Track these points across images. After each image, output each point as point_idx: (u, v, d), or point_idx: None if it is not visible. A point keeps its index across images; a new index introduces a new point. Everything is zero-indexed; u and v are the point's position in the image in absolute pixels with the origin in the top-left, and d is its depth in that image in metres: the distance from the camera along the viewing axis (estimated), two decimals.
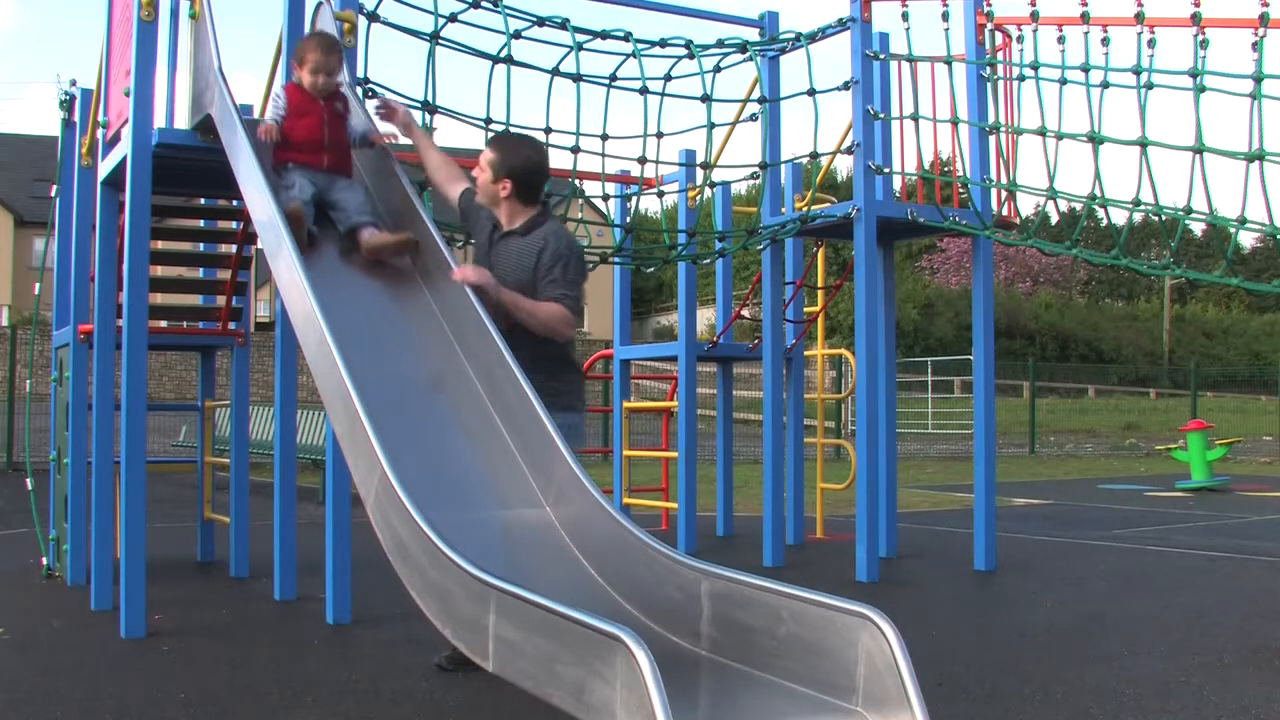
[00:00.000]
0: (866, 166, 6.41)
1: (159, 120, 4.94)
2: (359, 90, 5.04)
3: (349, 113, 4.63)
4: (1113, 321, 47.03)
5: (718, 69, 6.74)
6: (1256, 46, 4.65)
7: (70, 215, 6.32)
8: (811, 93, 6.61)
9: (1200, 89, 4.81)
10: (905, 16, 6.26)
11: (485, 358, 3.97)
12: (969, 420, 15.24)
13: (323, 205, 4.41)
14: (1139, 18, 5.04)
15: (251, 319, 6.83)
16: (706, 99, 6.44)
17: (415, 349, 4.15)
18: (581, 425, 4.31)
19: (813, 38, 6.68)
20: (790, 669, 2.78)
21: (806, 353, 9.03)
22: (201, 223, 7.02)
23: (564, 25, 6.11)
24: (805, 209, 6.76)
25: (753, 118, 6.92)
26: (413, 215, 4.46)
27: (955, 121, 6.30)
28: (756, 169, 6.69)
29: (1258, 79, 4.63)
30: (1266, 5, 4.62)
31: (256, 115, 5.78)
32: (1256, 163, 4.59)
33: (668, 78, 6.55)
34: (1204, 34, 4.79)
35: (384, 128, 4.74)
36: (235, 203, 5.95)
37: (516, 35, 5.93)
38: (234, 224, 6.42)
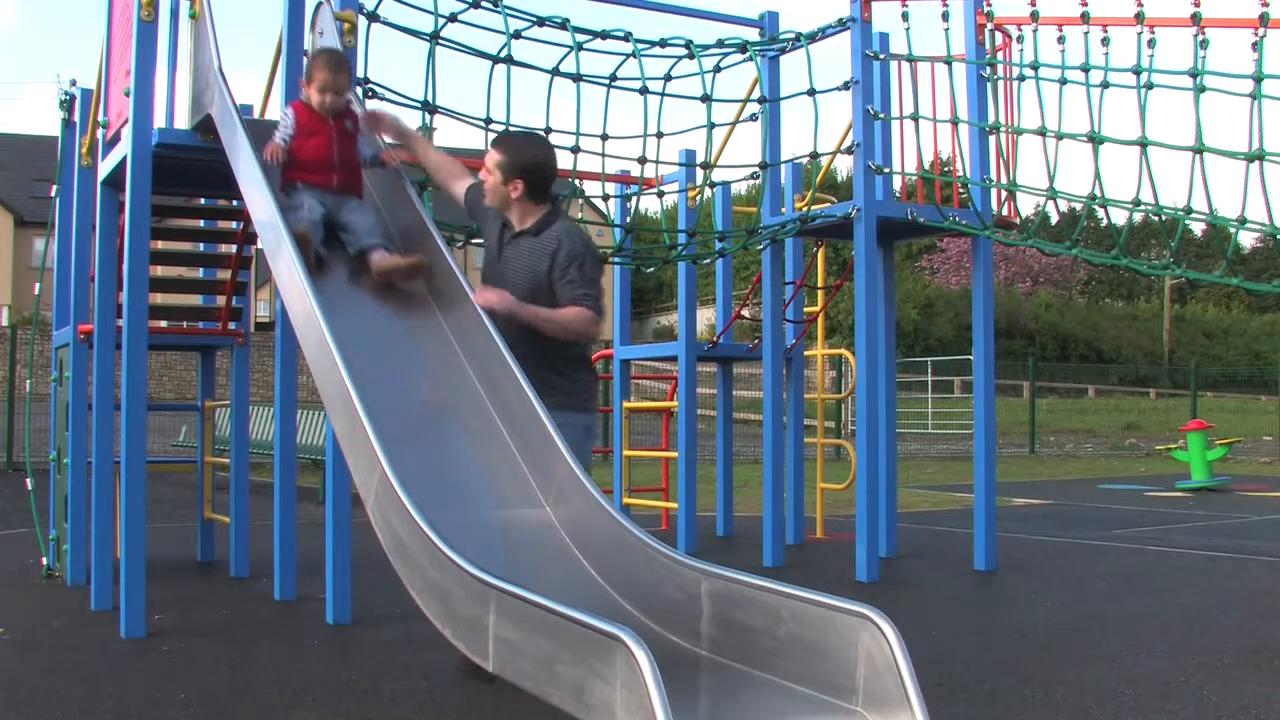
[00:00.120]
0: (866, 166, 6.41)
1: (159, 120, 4.94)
2: (358, 90, 5.01)
3: (359, 131, 4.52)
4: (1113, 321, 47.04)
5: (718, 69, 6.74)
6: (1256, 46, 4.65)
7: (70, 215, 6.32)
8: (811, 93, 6.61)
9: (1200, 89, 4.81)
10: (905, 16, 6.26)
11: (485, 358, 3.97)
12: (969, 420, 15.24)
13: (332, 226, 4.30)
14: (1139, 18, 5.04)
15: (251, 319, 6.83)
16: (706, 99, 6.44)
17: (419, 359, 4.10)
18: (594, 426, 4.28)
19: (813, 38, 6.68)
20: (790, 669, 2.78)
21: (806, 353, 9.03)
22: (201, 223, 7.02)
23: (564, 25, 6.11)
24: (805, 209, 6.76)
25: (753, 118, 6.92)
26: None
27: (955, 121, 6.30)
28: (756, 169, 6.69)
29: (1258, 79, 4.63)
30: (1266, 5, 4.62)
31: (257, 115, 5.78)
32: (1256, 163, 4.59)
33: (668, 78, 6.55)
34: (1204, 34, 4.79)
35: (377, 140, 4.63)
36: (235, 203, 5.95)
37: (516, 35, 5.93)
38: (234, 224, 6.42)
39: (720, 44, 6.68)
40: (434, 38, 5.62)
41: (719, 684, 2.92)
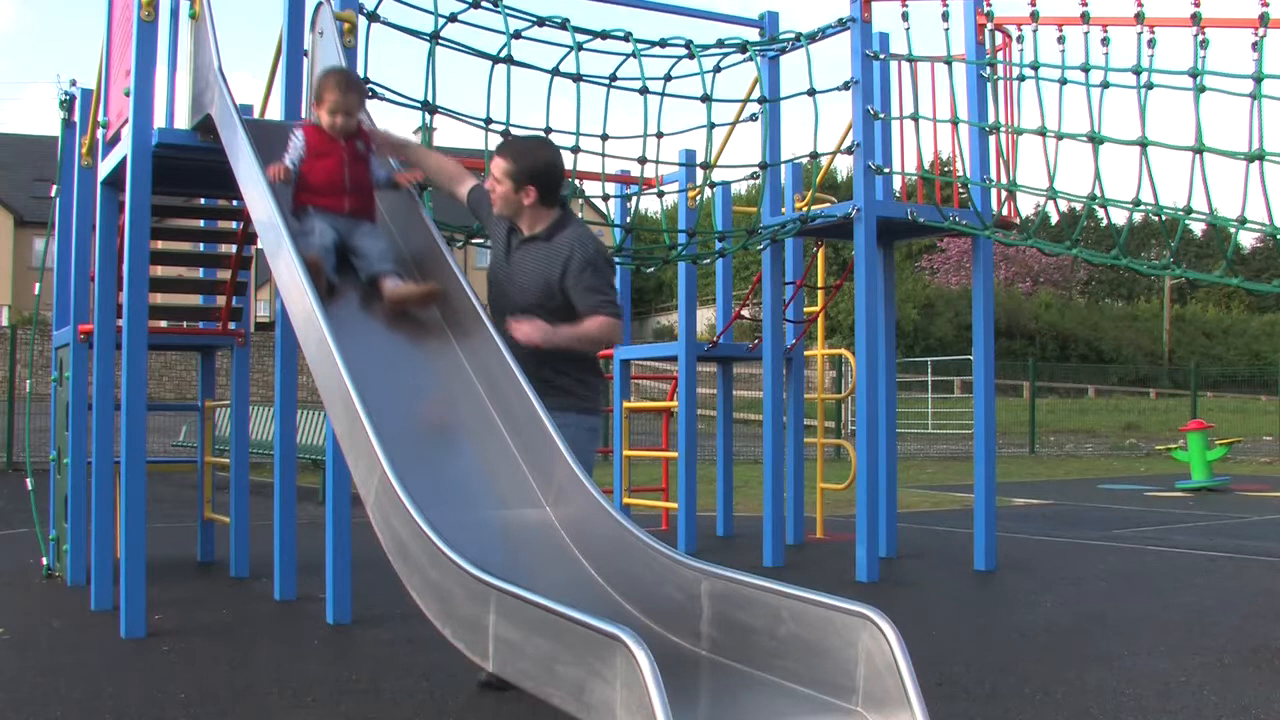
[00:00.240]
0: (866, 166, 6.41)
1: (159, 120, 4.94)
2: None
3: (372, 152, 4.40)
4: (1113, 321, 47.01)
5: (718, 69, 6.74)
6: (1256, 46, 4.65)
7: (70, 215, 6.32)
8: (811, 93, 6.61)
9: (1200, 89, 4.81)
10: (905, 16, 6.26)
11: (484, 356, 3.96)
12: (969, 420, 15.25)
13: (344, 251, 4.20)
14: (1139, 18, 5.04)
15: (251, 319, 6.83)
16: (706, 99, 6.44)
17: (420, 362, 4.08)
18: (599, 426, 4.26)
19: (813, 38, 6.68)
20: (790, 669, 2.78)
21: (806, 353, 9.03)
22: (201, 223, 7.02)
23: (564, 25, 6.11)
24: (805, 209, 6.76)
25: (753, 118, 6.92)
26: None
27: (955, 121, 6.30)
28: (756, 169, 6.69)
29: (1258, 79, 4.63)
30: (1266, 5, 4.62)
31: (257, 115, 5.78)
32: (1256, 163, 4.59)
33: (668, 78, 6.55)
34: (1204, 34, 4.79)
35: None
36: (235, 203, 5.94)
37: (516, 35, 5.93)
38: (234, 224, 6.43)
39: (720, 44, 6.68)
40: (434, 38, 5.62)
41: (719, 684, 2.92)
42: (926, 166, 6.74)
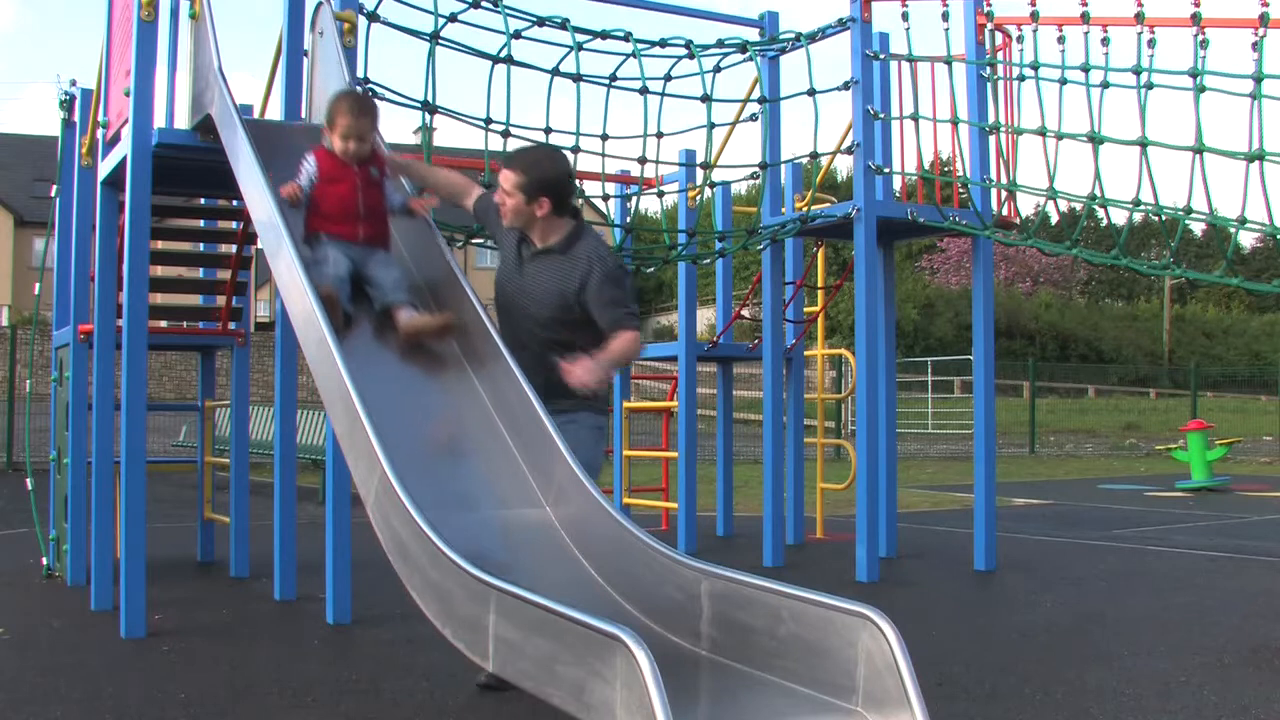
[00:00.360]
0: (866, 166, 6.41)
1: (159, 120, 4.94)
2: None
3: (386, 177, 4.29)
4: (1113, 321, 46.99)
5: (718, 69, 6.74)
6: (1256, 46, 4.65)
7: (70, 215, 6.32)
8: (811, 93, 6.61)
9: (1200, 89, 4.81)
10: (905, 16, 6.26)
11: (484, 355, 3.96)
12: (969, 420, 15.24)
13: (358, 279, 4.10)
14: (1139, 18, 5.04)
15: (251, 319, 6.83)
16: (706, 99, 6.44)
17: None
18: (606, 426, 4.24)
19: (813, 38, 6.68)
20: (790, 669, 2.78)
21: (806, 353, 9.03)
22: (201, 223, 7.02)
23: (564, 25, 6.11)
24: (805, 209, 6.76)
25: (753, 118, 6.92)
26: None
27: (955, 121, 6.30)
28: (756, 169, 6.69)
29: (1258, 79, 4.63)
30: (1266, 5, 4.62)
31: (257, 115, 5.78)
32: (1256, 163, 4.59)
33: (668, 78, 6.55)
34: (1204, 34, 4.79)
35: None
36: (235, 203, 5.94)
37: (516, 35, 5.93)
38: (234, 224, 6.43)
39: (720, 44, 6.68)
40: (434, 38, 5.62)
41: (719, 684, 2.92)
42: (926, 166, 6.74)
